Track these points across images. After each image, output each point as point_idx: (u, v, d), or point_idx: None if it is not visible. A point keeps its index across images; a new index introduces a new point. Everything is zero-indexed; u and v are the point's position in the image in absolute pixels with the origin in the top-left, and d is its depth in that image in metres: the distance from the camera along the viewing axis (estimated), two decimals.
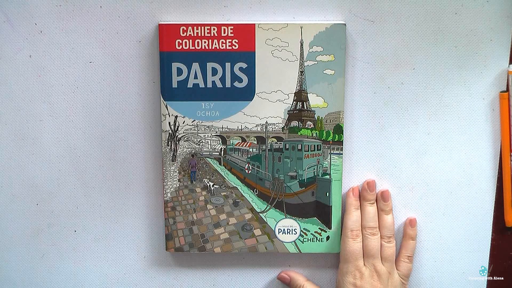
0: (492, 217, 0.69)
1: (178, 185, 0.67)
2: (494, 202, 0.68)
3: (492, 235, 0.69)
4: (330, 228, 0.68)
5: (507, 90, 0.66)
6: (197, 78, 0.64)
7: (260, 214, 0.68)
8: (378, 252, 0.66)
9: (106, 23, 0.65)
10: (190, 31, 0.63)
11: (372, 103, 0.66)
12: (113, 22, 0.65)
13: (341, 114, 0.65)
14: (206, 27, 0.63)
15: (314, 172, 0.67)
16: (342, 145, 0.66)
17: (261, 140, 0.66)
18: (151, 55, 0.65)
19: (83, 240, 0.70)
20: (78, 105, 0.67)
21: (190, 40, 0.63)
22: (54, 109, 0.67)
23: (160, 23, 0.63)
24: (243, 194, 0.68)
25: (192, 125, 0.65)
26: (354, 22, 0.64)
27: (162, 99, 0.65)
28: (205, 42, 0.63)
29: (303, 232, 0.68)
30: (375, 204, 0.67)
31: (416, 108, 0.66)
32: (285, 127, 0.66)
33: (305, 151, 0.66)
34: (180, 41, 0.63)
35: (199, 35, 0.63)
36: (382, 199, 0.67)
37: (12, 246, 0.70)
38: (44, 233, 0.70)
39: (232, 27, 0.63)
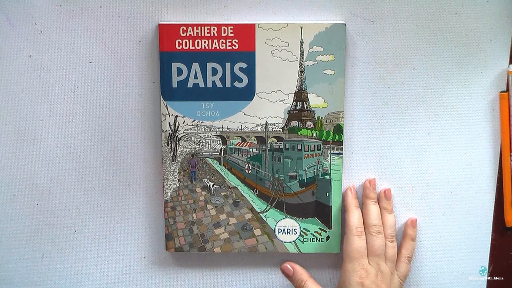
0: (492, 217, 0.69)
1: (178, 185, 0.67)
2: (494, 202, 0.68)
3: (492, 235, 0.69)
4: (330, 228, 0.68)
5: (507, 90, 0.65)
6: (197, 78, 0.64)
7: (260, 214, 0.68)
8: (383, 251, 0.65)
9: (106, 23, 0.65)
10: (190, 31, 0.63)
11: (372, 103, 0.66)
12: (113, 22, 0.65)
13: (341, 114, 0.65)
14: (206, 27, 0.63)
15: (314, 172, 0.67)
16: (342, 145, 0.66)
17: (261, 140, 0.66)
18: (151, 55, 0.65)
19: (83, 240, 0.70)
20: (78, 105, 0.67)
21: (190, 40, 0.63)
22: (54, 109, 0.67)
23: (160, 23, 0.63)
24: (243, 194, 0.68)
25: (192, 125, 0.65)
26: (354, 22, 0.64)
27: (162, 99, 0.65)
28: (205, 42, 0.63)
29: (303, 232, 0.68)
30: (377, 202, 0.67)
31: (416, 108, 0.66)
32: (285, 127, 0.66)
33: (305, 151, 0.66)
34: (180, 41, 0.63)
35: (199, 35, 0.63)
36: (384, 197, 0.67)
37: (12, 246, 0.70)
38: (44, 233, 0.70)
39: (232, 27, 0.63)
